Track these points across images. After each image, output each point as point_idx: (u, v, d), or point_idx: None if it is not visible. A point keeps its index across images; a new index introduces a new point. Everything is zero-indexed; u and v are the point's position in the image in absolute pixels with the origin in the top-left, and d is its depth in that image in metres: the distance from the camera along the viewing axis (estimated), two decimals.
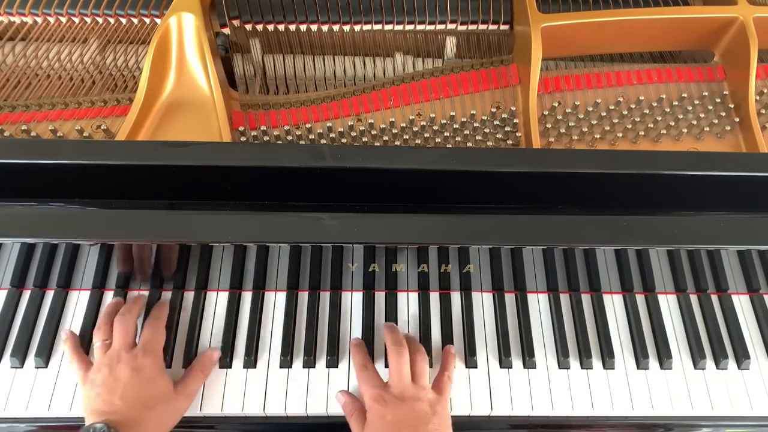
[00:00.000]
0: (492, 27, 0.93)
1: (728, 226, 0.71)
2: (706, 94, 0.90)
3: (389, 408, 0.69)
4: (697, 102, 0.90)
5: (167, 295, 0.83)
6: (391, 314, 0.82)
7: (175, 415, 0.72)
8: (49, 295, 0.82)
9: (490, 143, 0.85)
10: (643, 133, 0.86)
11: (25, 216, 0.68)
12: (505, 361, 0.79)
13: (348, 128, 0.86)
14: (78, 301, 0.82)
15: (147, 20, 0.92)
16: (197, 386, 0.75)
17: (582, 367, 0.80)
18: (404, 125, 0.86)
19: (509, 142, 0.86)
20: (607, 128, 0.87)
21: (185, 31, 0.84)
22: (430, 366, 0.79)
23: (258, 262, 0.79)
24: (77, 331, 0.79)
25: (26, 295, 0.82)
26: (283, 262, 0.79)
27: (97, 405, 0.68)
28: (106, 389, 0.69)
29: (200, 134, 0.83)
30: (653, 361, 0.81)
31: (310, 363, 0.78)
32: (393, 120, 0.85)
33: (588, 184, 0.72)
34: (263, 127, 0.85)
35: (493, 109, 0.87)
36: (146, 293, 0.82)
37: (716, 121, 0.88)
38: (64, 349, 0.77)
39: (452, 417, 0.73)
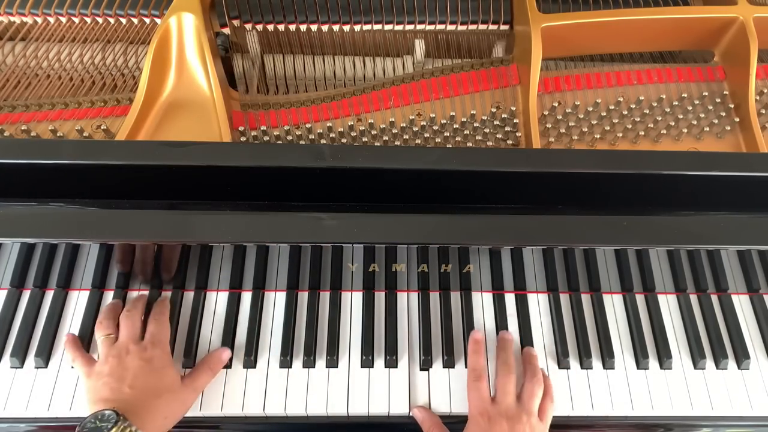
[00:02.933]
0: (492, 27, 0.94)
1: (728, 226, 0.71)
2: (706, 94, 0.90)
3: (492, 425, 0.69)
4: (697, 102, 0.90)
5: (167, 294, 0.83)
6: (392, 314, 0.82)
7: (182, 408, 0.72)
8: (49, 295, 0.82)
9: (490, 143, 0.85)
10: (643, 133, 0.86)
11: (25, 216, 0.68)
12: None
13: (348, 128, 0.86)
14: (78, 301, 0.82)
15: (147, 20, 0.92)
16: (205, 382, 0.75)
17: (582, 367, 0.80)
18: (404, 125, 0.86)
19: (509, 142, 0.86)
20: (607, 128, 0.87)
21: (185, 31, 0.84)
22: (429, 366, 0.79)
23: (258, 262, 0.79)
24: (77, 331, 0.80)
25: (26, 295, 0.82)
26: (283, 262, 0.79)
27: (104, 393, 0.68)
28: (114, 378, 0.69)
29: (200, 134, 0.83)
30: (653, 361, 0.81)
31: (309, 363, 0.78)
32: (393, 120, 0.85)
33: (588, 184, 0.72)
34: (263, 127, 0.85)
35: (493, 109, 0.87)
36: (146, 293, 0.82)
37: (716, 121, 0.88)
38: (65, 350, 0.77)
39: (450, 417, 0.74)
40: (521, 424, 0.70)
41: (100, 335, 0.75)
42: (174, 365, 0.74)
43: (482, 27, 0.93)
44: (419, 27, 0.93)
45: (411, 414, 0.76)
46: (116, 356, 0.71)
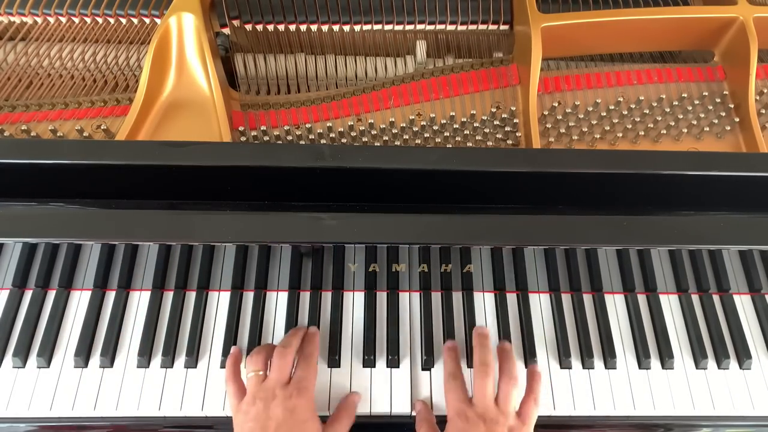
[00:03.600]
0: (492, 27, 0.94)
1: (728, 226, 0.71)
2: (706, 94, 0.90)
3: (469, 426, 0.69)
4: (697, 102, 0.90)
5: (169, 294, 0.83)
6: (393, 314, 0.82)
7: None
8: (51, 295, 0.82)
9: (490, 143, 0.85)
10: (643, 133, 0.86)
11: (25, 216, 0.68)
12: None
13: (348, 128, 0.86)
14: (80, 301, 0.82)
15: (147, 20, 0.92)
16: (344, 430, 0.73)
17: (584, 367, 0.80)
18: (404, 125, 0.86)
19: (509, 142, 0.86)
20: (607, 128, 0.87)
21: (185, 31, 0.84)
22: (431, 366, 0.79)
23: (260, 261, 0.79)
24: (78, 332, 0.80)
25: (28, 294, 0.82)
26: (284, 262, 0.79)
27: None
28: (259, 426, 0.67)
29: (200, 134, 0.83)
30: (655, 361, 0.81)
31: None
32: (393, 120, 0.85)
33: (588, 184, 0.72)
34: (263, 127, 0.85)
35: (493, 109, 0.87)
36: (303, 328, 0.80)
37: (716, 121, 0.87)
38: (226, 367, 0.76)
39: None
40: (499, 425, 0.69)
41: (249, 370, 0.73)
42: (316, 416, 0.71)
43: (482, 27, 0.93)
44: (419, 27, 0.93)
45: (413, 409, 0.76)
46: (263, 399, 0.69)
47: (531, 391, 0.75)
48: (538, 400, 0.74)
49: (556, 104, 0.89)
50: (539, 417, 0.77)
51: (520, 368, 0.79)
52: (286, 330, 0.80)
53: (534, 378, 0.76)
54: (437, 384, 0.78)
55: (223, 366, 0.78)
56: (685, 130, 0.87)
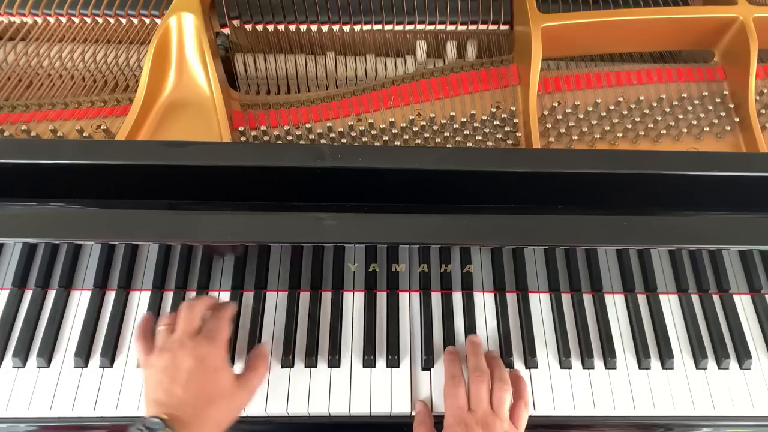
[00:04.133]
0: (492, 27, 0.94)
1: (728, 226, 0.71)
2: (706, 94, 0.90)
3: None
4: (697, 102, 0.90)
5: (169, 295, 0.83)
6: (393, 314, 0.82)
7: (236, 412, 0.69)
8: (51, 295, 0.82)
9: (490, 143, 0.85)
10: (643, 133, 0.86)
11: (26, 216, 0.68)
12: (506, 361, 0.79)
13: (348, 128, 0.86)
14: (80, 301, 0.82)
15: (147, 20, 0.92)
16: (259, 380, 0.73)
17: (584, 367, 0.80)
18: (404, 125, 0.86)
19: (509, 142, 0.86)
20: (607, 128, 0.87)
21: (185, 31, 0.84)
22: (431, 365, 0.79)
23: (259, 261, 0.79)
24: (78, 331, 0.80)
25: (28, 295, 0.82)
26: (284, 262, 0.79)
27: (159, 395, 0.65)
28: (168, 377, 0.66)
29: (200, 134, 0.83)
30: (655, 361, 0.81)
31: (311, 363, 0.78)
32: (393, 120, 0.85)
33: (588, 184, 0.72)
34: (263, 127, 0.85)
35: (493, 109, 0.87)
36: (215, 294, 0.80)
37: (716, 121, 0.87)
38: (135, 330, 0.74)
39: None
40: (496, 430, 0.69)
41: (160, 325, 0.72)
42: (228, 366, 0.70)
43: (482, 27, 0.93)
44: (419, 27, 0.93)
45: (413, 409, 0.76)
46: (170, 350, 0.68)
47: (520, 396, 0.75)
48: (528, 404, 0.75)
49: (556, 104, 0.89)
50: (539, 417, 0.77)
51: (519, 368, 0.80)
52: (286, 330, 0.80)
53: (520, 382, 0.76)
54: (437, 384, 0.78)
55: None
56: (685, 130, 0.87)
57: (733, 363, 0.81)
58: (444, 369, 0.77)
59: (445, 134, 0.85)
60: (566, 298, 0.85)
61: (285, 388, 0.77)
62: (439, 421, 0.74)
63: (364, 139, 0.86)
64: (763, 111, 0.90)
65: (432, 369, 0.79)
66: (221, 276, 0.82)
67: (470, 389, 0.73)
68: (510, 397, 0.73)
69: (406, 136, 0.86)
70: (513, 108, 0.88)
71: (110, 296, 0.83)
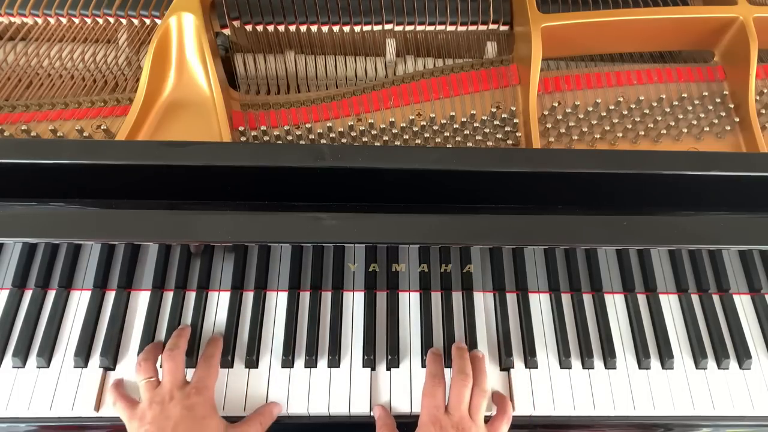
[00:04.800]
0: (492, 27, 0.94)
1: (728, 226, 0.71)
2: (706, 94, 0.90)
3: None
4: (697, 102, 0.90)
5: (169, 294, 0.83)
6: (393, 314, 0.82)
7: None
8: (51, 295, 0.82)
9: (490, 143, 0.85)
10: (643, 133, 0.86)
11: (25, 216, 0.68)
12: (506, 361, 0.79)
13: (348, 128, 0.86)
14: (79, 301, 0.82)
15: (147, 20, 0.92)
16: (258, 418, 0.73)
17: (584, 367, 0.80)
18: (404, 125, 0.86)
19: (509, 142, 0.86)
20: (607, 128, 0.87)
21: (185, 31, 0.84)
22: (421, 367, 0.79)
23: (259, 261, 0.79)
24: (78, 331, 0.80)
25: (28, 294, 0.82)
26: (284, 262, 0.79)
27: None
28: (156, 427, 0.66)
29: (200, 134, 0.83)
30: (655, 361, 0.81)
31: (311, 363, 0.78)
32: (393, 120, 0.85)
33: (588, 184, 0.72)
34: (263, 127, 0.85)
35: (493, 109, 0.87)
36: (188, 327, 0.79)
37: (716, 121, 0.88)
38: (109, 394, 0.75)
39: None
40: None
41: (141, 378, 0.72)
42: (217, 414, 0.71)
43: (482, 27, 0.93)
44: (419, 28, 0.93)
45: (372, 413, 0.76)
46: (159, 403, 0.69)
47: (504, 411, 0.75)
48: (510, 421, 0.75)
49: (556, 104, 0.89)
50: (539, 417, 0.78)
51: (519, 368, 0.80)
52: (287, 330, 0.80)
53: (504, 401, 0.76)
54: None
55: (223, 367, 0.78)
56: (685, 130, 0.87)
57: (732, 363, 0.81)
58: (427, 368, 0.77)
59: (445, 134, 0.85)
60: (566, 298, 0.85)
61: (285, 388, 0.77)
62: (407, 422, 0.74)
63: (364, 139, 0.86)
64: (763, 111, 0.90)
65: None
66: (221, 276, 0.82)
67: (451, 391, 0.73)
68: (485, 403, 0.73)
69: (406, 136, 0.86)
70: (513, 108, 0.88)
71: (110, 296, 0.83)
